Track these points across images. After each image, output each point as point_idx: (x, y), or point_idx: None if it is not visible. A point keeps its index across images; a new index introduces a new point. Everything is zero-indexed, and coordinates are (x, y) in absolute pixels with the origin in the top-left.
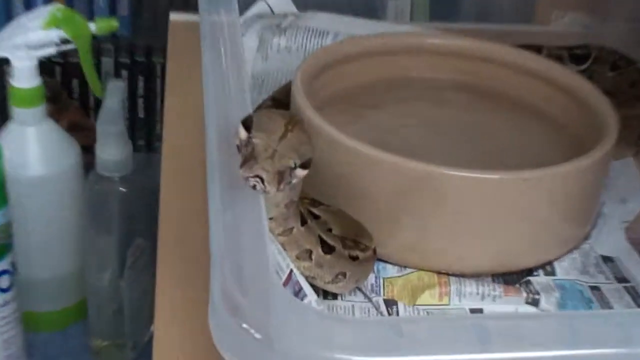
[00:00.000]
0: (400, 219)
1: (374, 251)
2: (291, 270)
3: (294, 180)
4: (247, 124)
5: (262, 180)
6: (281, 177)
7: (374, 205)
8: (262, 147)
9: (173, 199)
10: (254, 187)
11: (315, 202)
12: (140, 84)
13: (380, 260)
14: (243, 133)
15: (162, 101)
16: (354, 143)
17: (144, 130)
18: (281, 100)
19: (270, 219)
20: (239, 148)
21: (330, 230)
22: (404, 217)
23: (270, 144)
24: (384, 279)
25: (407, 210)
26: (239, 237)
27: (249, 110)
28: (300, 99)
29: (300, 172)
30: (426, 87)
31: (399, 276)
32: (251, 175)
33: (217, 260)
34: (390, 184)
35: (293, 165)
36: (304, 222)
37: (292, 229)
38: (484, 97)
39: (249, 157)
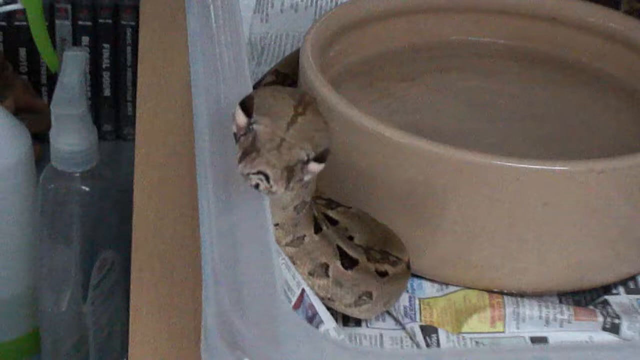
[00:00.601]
0: (441, 223)
1: (408, 265)
2: (303, 290)
3: (307, 177)
4: (246, 106)
5: (267, 178)
6: (290, 173)
7: (406, 207)
8: (266, 136)
9: (150, 199)
10: (257, 186)
11: (332, 204)
12: (106, 53)
13: (415, 276)
14: (242, 118)
15: (134, 75)
16: (380, 127)
17: (111, 112)
18: (286, 74)
19: (276, 225)
20: (236, 137)
21: (351, 238)
22: (444, 221)
23: (277, 132)
24: (420, 300)
25: (448, 212)
26: (238, 249)
27: (249, 87)
28: (310, 72)
29: (315, 167)
30: (469, 53)
31: (439, 296)
32: (253, 171)
33: (210, 279)
34: (426, 179)
35: (305, 158)
36: (318, 229)
37: (303, 237)
38: (543, 65)
39: (249, 148)
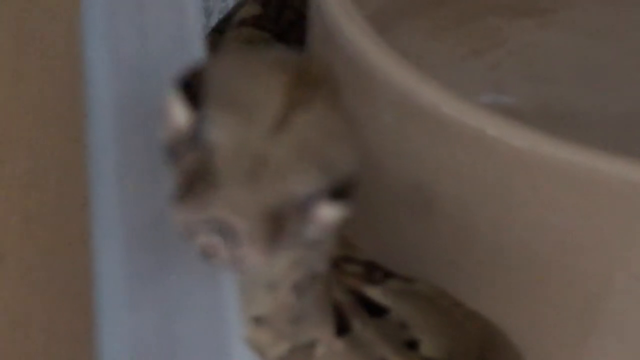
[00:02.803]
0: (602, 310)
1: None
2: None
3: (314, 232)
4: (190, 90)
5: (232, 234)
6: (280, 224)
7: (528, 280)
8: (231, 150)
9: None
10: (210, 253)
11: (375, 272)
12: None
13: None
14: (182, 113)
15: None
16: (477, 116)
17: None
18: (284, 1)
19: (258, 320)
20: (171, 151)
21: (414, 344)
22: (612, 301)
23: (253, 141)
24: None
25: (620, 286)
26: None
27: (199, 46)
28: (334, 1)
29: (330, 211)
30: None
31: None
32: (203, 218)
33: None
34: (577, 223)
35: (310, 194)
36: (344, 327)
37: (313, 344)
38: None
39: (197, 174)
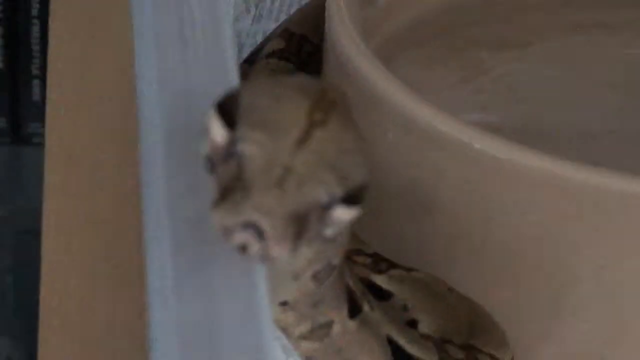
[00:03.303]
0: (572, 298)
1: None
2: None
3: (329, 231)
4: (227, 111)
5: (261, 234)
6: (301, 225)
7: (511, 273)
8: (260, 163)
9: (69, 251)
10: (244, 249)
11: (381, 264)
12: None
13: None
14: (220, 132)
15: (44, 46)
16: (466, 132)
17: (5, 98)
18: (303, 36)
19: (283, 304)
20: (210, 164)
21: (414, 323)
22: (580, 293)
23: (279, 156)
24: None
25: (587, 280)
26: (212, 346)
27: (232, 73)
28: (345, 36)
29: (343, 214)
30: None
31: None
32: (237, 222)
33: None
34: (551, 226)
35: (327, 200)
36: (356, 310)
37: (330, 324)
38: None
39: (232, 184)
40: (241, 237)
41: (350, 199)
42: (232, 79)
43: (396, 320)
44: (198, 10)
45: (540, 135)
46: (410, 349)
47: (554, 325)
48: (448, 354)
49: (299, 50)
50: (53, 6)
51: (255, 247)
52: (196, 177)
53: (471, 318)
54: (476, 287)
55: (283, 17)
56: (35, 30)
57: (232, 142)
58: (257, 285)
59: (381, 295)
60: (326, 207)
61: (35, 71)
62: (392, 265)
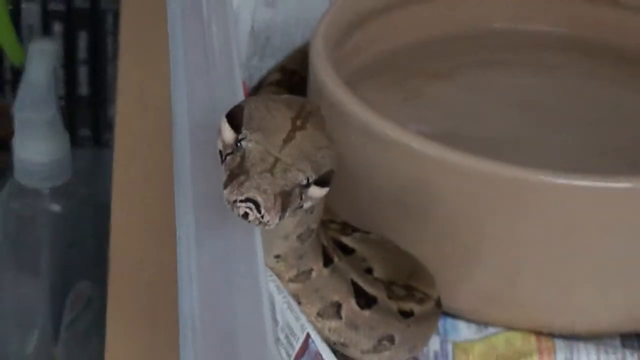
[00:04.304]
0: (479, 252)
1: (438, 302)
2: (308, 335)
3: (307, 204)
4: (234, 118)
5: (258, 206)
6: (286, 200)
7: (438, 233)
8: (257, 155)
9: (130, 221)
10: (245, 215)
11: (347, 229)
12: (82, 43)
13: (447, 315)
14: (229, 133)
15: (116, 69)
16: (407, 137)
17: (89, 114)
18: (294, 71)
19: (277, 257)
20: (222, 156)
21: (370, 271)
22: (483, 249)
23: (270, 150)
24: (454, 343)
25: (488, 238)
26: (222, 290)
27: (239, 93)
28: (322, 69)
29: (316, 192)
30: (515, 44)
31: (476, 339)
32: (240, 198)
33: (188, 326)
34: (463, 200)
35: (304, 182)
36: (328, 261)
37: (310, 271)
38: (606, 59)
39: (237, 170)
40: (243, 208)
41: (321, 182)
42: (239, 97)
43: (357, 268)
44: (217, 52)
45: (461, 141)
46: (367, 288)
47: (468, 270)
48: (393, 292)
49: (290, 79)
50: (122, 48)
51: (253, 215)
52: (215, 166)
53: (410, 266)
54: (412, 247)
55: (280, 57)
56: (111, 67)
57: (237, 140)
58: (255, 242)
59: (347, 250)
60: (304, 187)
61: (108, 95)
62: (355, 229)
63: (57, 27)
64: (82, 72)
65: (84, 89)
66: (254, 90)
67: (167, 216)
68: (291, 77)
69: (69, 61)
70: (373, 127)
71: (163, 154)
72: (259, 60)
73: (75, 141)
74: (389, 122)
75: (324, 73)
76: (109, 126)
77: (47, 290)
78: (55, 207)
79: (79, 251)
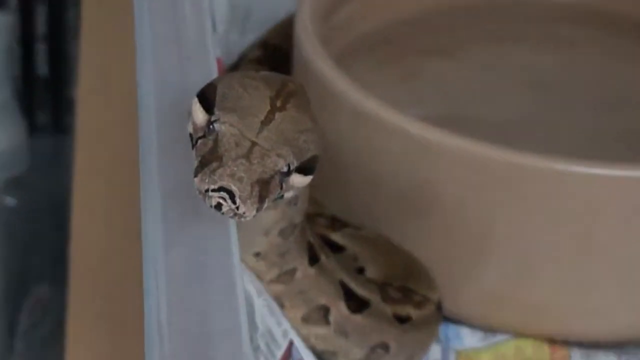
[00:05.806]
0: (484, 249)
1: (438, 306)
2: (291, 343)
3: (288, 194)
4: (206, 98)
5: (232, 196)
6: (264, 189)
7: (438, 228)
8: (231, 139)
9: (92, 217)
10: (218, 206)
11: (336, 223)
12: (41, 17)
13: (449, 320)
14: (200, 114)
15: (77, 48)
16: (404, 121)
17: (48, 97)
18: (277, 46)
19: (256, 255)
20: (193, 140)
21: (362, 270)
22: (490, 245)
23: (246, 134)
24: (457, 352)
25: (495, 233)
26: (195, 291)
27: (213, 70)
28: (308, 44)
29: (298, 180)
30: (525, 17)
31: (482, 348)
32: (213, 187)
33: (154, 330)
34: (466, 191)
35: (285, 169)
36: (314, 260)
37: (294, 271)
38: (626, 34)
39: (209, 156)
40: (216, 198)
41: (304, 169)
42: (213, 75)
43: (348, 268)
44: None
45: (465, 125)
46: (358, 290)
47: (474, 271)
48: (388, 294)
49: (272, 57)
50: (84, 23)
51: (227, 206)
52: (184, 150)
53: (407, 266)
54: (410, 243)
55: (262, 31)
56: (74, 45)
57: (209, 123)
58: (230, 237)
59: (336, 248)
60: (285, 175)
61: (70, 75)
62: (345, 224)
63: (11, 0)
64: (41, 50)
65: (42, 69)
66: (232, 69)
67: (133, 210)
68: (274, 54)
69: (25, 37)
70: (365, 109)
71: (130, 141)
72: (238, 35)
73: (32, 127)
74: (383, 103)
75: (310, 49)
76: (70, 110)
77: (1, 296)
78: (10, 201)
79: (37, 250)
